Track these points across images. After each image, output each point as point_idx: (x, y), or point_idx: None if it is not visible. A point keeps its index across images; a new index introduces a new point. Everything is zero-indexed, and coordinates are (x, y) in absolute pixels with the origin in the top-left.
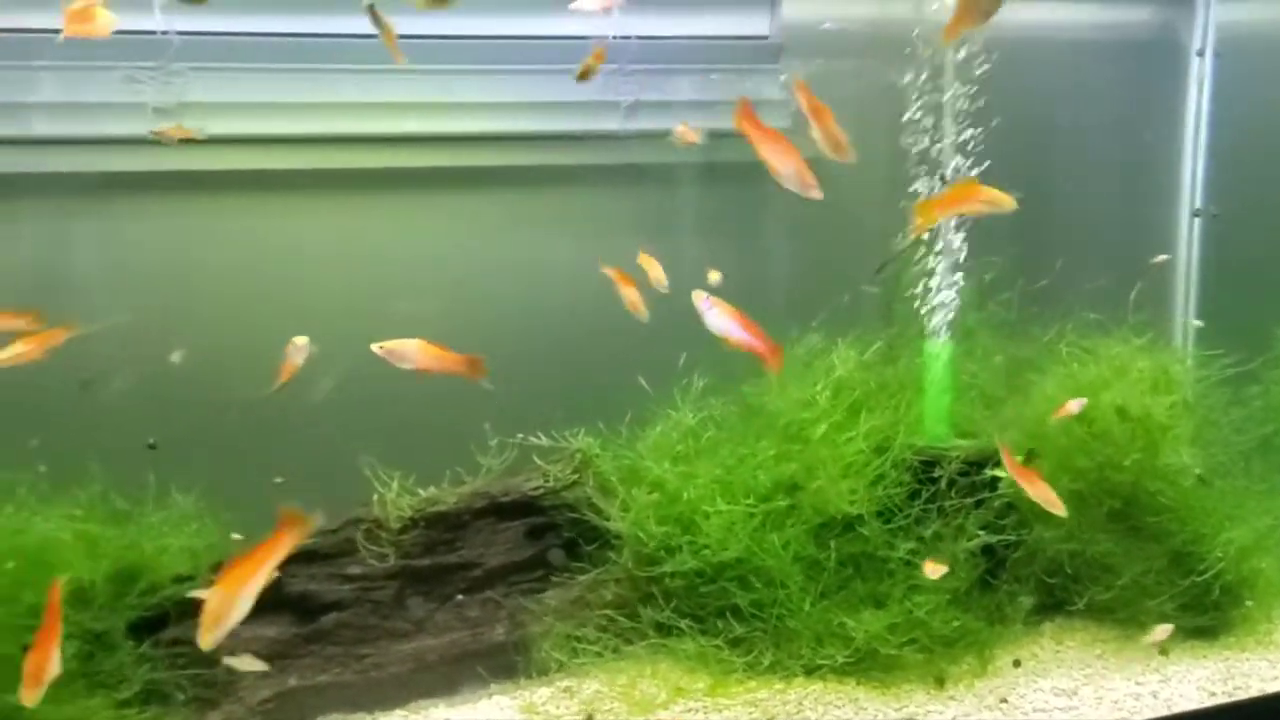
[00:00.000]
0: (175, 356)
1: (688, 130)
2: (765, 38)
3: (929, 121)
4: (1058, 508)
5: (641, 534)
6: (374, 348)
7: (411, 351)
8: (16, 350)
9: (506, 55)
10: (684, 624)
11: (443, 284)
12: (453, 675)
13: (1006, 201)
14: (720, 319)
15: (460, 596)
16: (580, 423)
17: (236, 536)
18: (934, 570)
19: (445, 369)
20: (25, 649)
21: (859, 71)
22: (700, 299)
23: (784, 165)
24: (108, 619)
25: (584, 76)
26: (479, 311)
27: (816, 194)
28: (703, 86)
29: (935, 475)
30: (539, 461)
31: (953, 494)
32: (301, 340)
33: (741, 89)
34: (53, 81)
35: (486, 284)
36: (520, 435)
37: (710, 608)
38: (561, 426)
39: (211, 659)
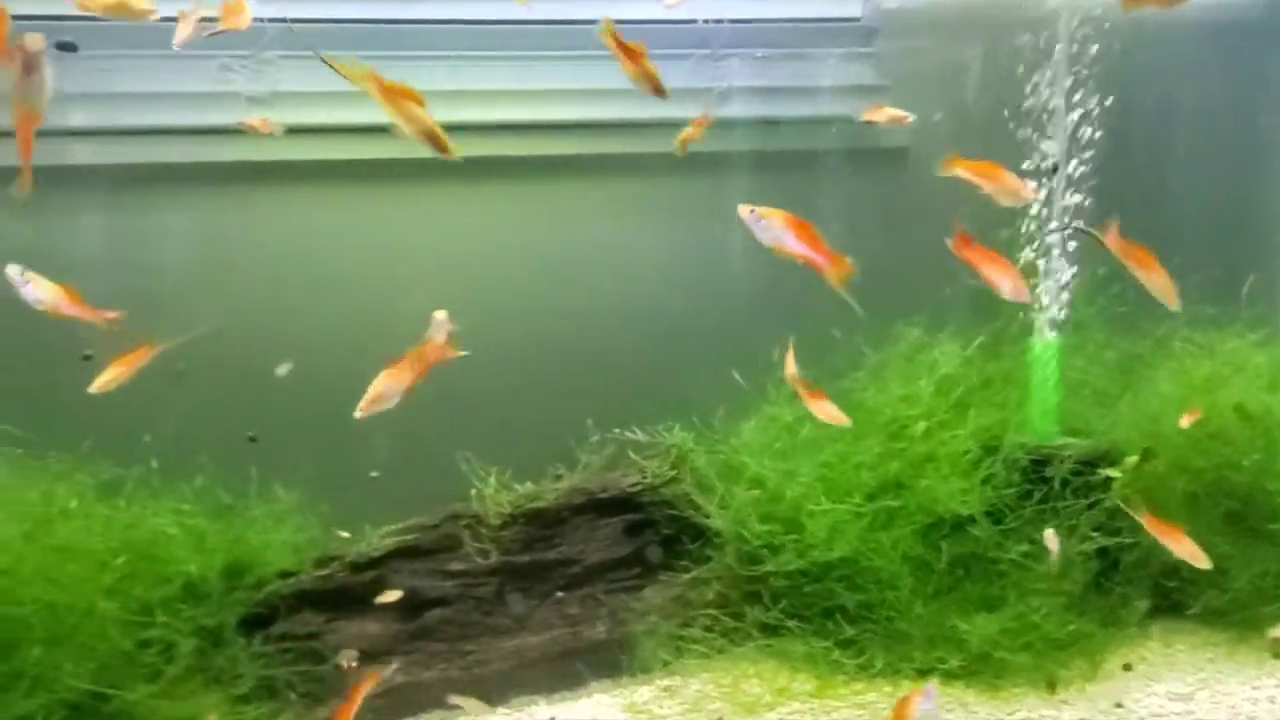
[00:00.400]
0: (281, 370)
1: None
2: (858, 20)
3: (1037, 108)
4: (1203, 562)
5: (744, 532)
6: (357, 415)
7: (388, 388)
8: (109, 376)
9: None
10: (791, 624)
11: (535, 275)
12: (554, 672)
13: (1171, 300)
14: (771, 230)
15: (560, 593)
16: (672, 417)
17: (344, 534)
18: (1051, 541)
19: (425, 367)
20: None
21: (960, 55)
22: (745, 211)
23: (1004, 282)
24: (219, 614)
25: (683, 145)
26: (570, 304)
27: (1028, 299)
28: (802, 72)
29: (1047, 475)
30: (635, 457)
31: (1066, 494)
32: (441, 315)
33: (836, 73)
34: (147, 71)
35: (576, 276)
36: (618, 430)
37: (815, 608)
38: (654, 421)
39: (319, 655)
